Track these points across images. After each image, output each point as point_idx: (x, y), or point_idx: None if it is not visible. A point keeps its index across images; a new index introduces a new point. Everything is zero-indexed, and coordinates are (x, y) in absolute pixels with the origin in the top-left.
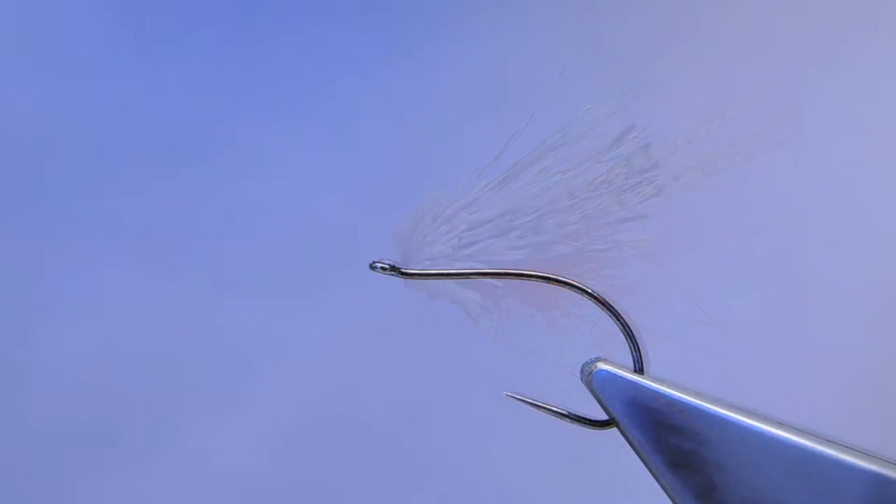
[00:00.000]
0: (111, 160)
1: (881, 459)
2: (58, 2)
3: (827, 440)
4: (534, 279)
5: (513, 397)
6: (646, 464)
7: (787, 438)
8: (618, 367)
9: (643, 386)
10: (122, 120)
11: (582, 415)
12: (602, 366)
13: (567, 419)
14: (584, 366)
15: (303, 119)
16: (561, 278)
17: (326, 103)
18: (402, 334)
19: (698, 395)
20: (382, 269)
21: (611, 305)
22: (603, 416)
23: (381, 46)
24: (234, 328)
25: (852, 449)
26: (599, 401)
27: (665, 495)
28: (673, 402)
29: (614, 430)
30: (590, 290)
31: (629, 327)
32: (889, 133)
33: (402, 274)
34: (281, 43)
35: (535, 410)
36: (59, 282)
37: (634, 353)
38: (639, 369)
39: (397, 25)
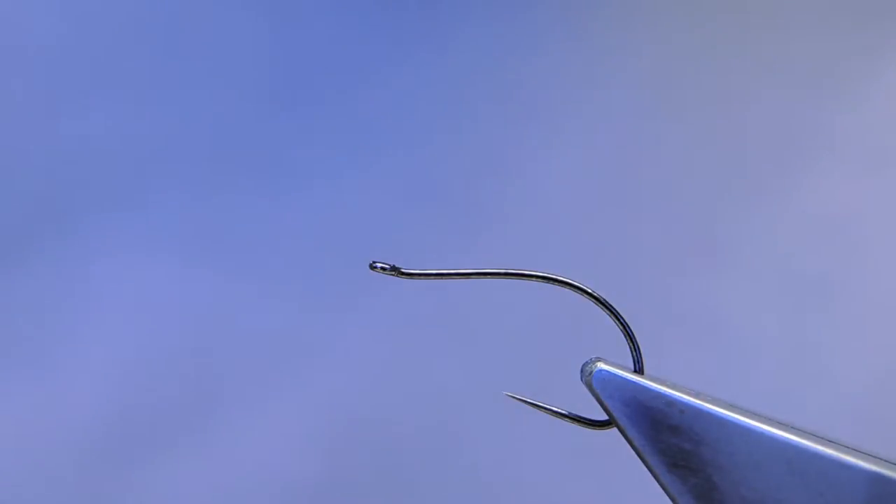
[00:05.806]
0: (155, 170)
1: (881, 459)
2: (100, 22)
3: (827, 440)
4: (534, 279)
5: (513, 397)
6: (645, 464)
7: (786, 438)
8: (617, 367)
9: (643, 386)
10: (165, 134)
11: (581, 415)
12: (601, 366)
13: (566, 419)
14: (583, 366)
15: (338, 127)
16: (561, 278)
17: (359, 109)
18: (432, 339)
19: (698, 395)
20: (382, 269)
21: (611, 305)
22: (602, 417)
23: (400, 48)
24: (270, 330)
25: (852, 449)
26: (599, 401)
27: (665, 495)
28: (673, 402)
29: (614, 430)
30: (590, 290)
31: (629, 327)
32: None
33: (402, 274)
34: (315, 54)
35: (534, 410)
36: (106, 284)
37: (634, 354)
38: (638, 369)
39: (412, 26)
